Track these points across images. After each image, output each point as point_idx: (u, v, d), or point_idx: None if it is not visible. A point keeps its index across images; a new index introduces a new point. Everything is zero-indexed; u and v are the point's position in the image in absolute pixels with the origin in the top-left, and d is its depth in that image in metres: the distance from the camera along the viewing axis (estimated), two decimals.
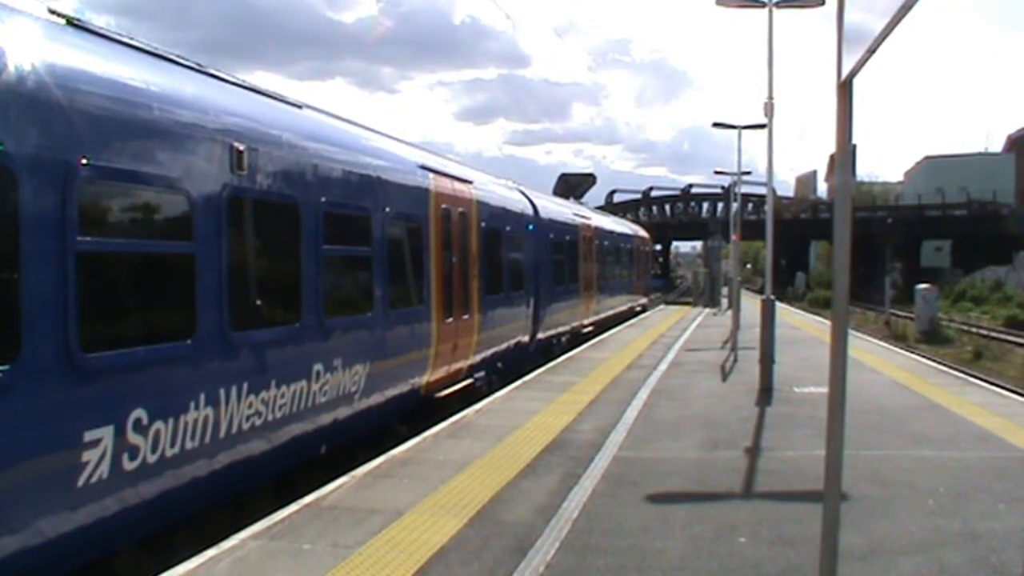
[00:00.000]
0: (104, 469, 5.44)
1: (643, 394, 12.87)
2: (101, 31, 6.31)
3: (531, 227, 17.71)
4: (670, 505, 7.24)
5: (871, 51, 3.74)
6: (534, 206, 18.30)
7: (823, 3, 16.71)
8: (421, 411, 11.29)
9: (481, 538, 6.23)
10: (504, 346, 15.50)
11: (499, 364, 15.22)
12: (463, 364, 13.02)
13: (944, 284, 52.39)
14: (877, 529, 6.42)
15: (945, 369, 16.99)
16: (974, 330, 35.66)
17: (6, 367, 4.80)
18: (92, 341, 5.42)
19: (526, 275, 17.13)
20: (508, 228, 15.91)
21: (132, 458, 5.71)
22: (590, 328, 24.08)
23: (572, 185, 37.48)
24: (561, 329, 20.70)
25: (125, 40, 6.55)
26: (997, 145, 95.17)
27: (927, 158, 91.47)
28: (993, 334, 34.03)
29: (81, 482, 5.29)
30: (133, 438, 5.71)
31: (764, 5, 16.59)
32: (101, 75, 5.77)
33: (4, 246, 4.94)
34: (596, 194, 67.85)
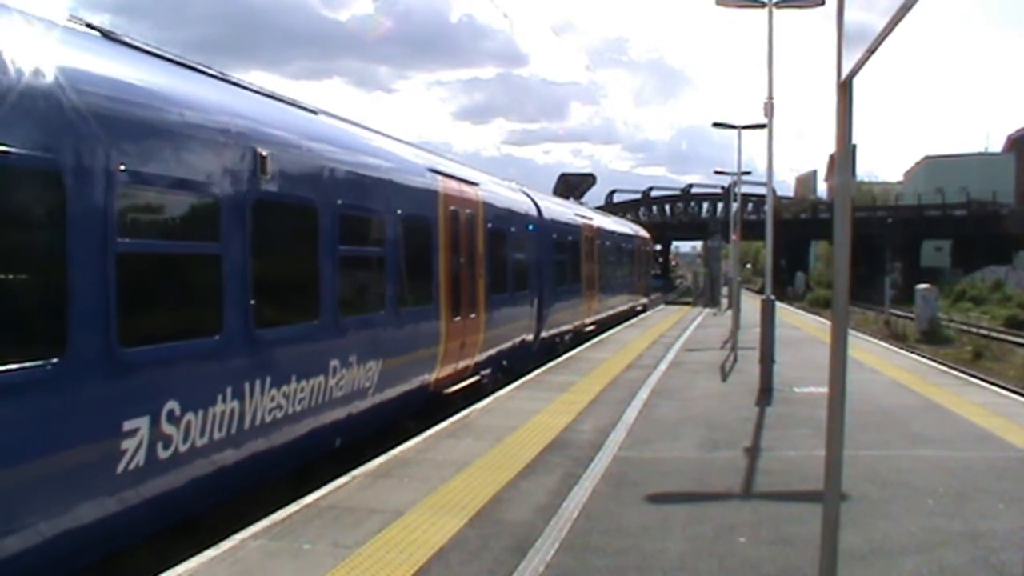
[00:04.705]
0: (141, 457, 5.72)
1: (643, 394, 12.87)
2: (132, 42, 6.58)
3: (535, 228, 17.80)
4: (670, 505, 7.24)
5: (871, 51, 3.73)
6: (538, 207, 18.40)
7: (823, 3, 16.74)
8: (430, 407, 11.43)
9: (481, 538, 6.23)
10: (509, 344, 15.64)
11: (504, 362, 15.30)
12: (470, 362, 13.17)
13: (944, 284, 52.35)
14: (877, 529, 6.42)
15: (945, 369, 16.98)
16: (974, 330, 35.64)
17: (55, 360, 5.08)
18: (130, 337, 5.69)
19: (530, 275, 17.27)
20: (513, 229, 16.05)
21: (166, 447, 6.00)
22: (592, 327, 24.11)
23: (572, 185, 37.52)
24: (564, 328, 20.75)
25: (154, 50, 6.81)
26: (997, 145, 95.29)
27: (927, 158, 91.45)
28: (993, 334, 34.01)
29: (120, 469, 5.57)
30: (167, 428, 6.00)
31: (764, 5, 16.60)
32: (135, 85, 6.05)
33: (53, 248, 5.21)
34: (596, 194, 67.89)
